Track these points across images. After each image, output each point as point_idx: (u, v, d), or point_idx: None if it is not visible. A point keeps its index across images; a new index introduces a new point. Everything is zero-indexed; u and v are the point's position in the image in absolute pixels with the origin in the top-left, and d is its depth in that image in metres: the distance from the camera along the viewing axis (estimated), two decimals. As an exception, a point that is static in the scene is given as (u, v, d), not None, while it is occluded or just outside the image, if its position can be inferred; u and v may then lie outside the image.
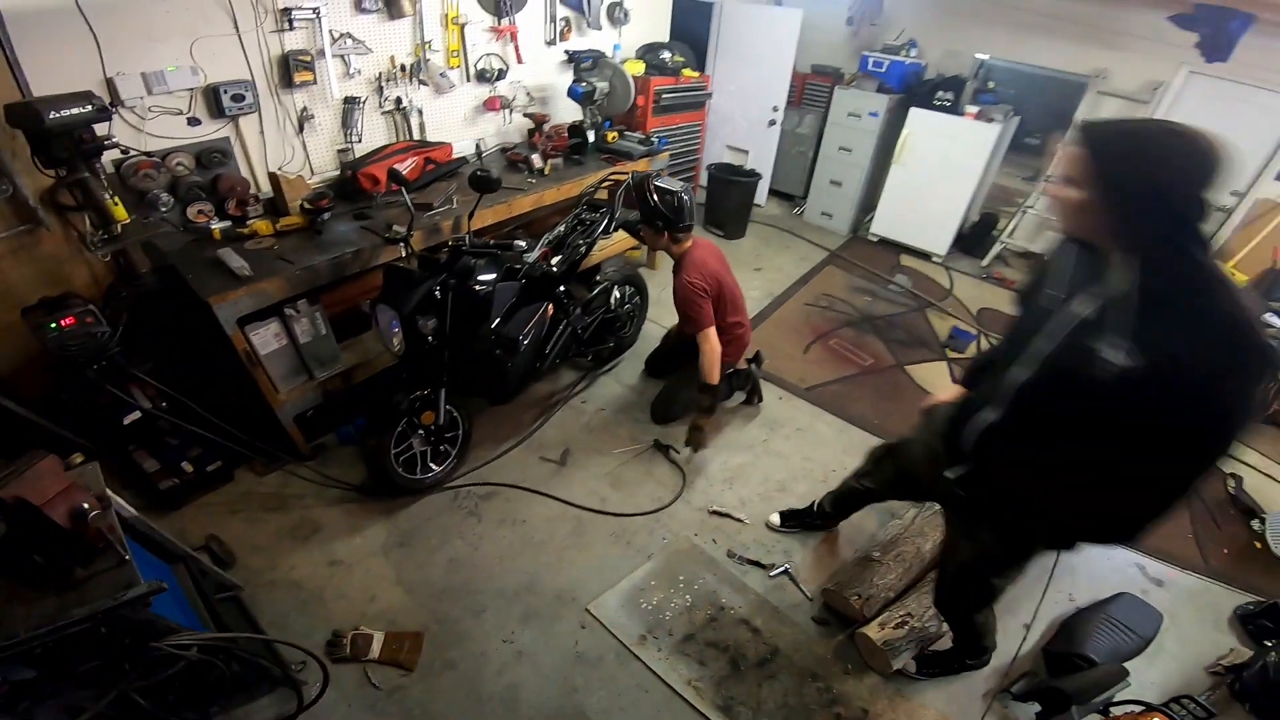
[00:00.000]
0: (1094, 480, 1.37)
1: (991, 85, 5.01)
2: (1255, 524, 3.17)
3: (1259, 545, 3.08)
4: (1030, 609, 2.62)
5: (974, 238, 5.67)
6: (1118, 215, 1.19)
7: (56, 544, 1.37)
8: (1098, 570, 2.82)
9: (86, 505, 1.36)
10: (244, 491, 2.82)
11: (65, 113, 1.87)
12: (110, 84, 2.43)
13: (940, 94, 4.86)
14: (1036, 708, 2.23)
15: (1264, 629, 2.63)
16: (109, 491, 1.64)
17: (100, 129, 2.07)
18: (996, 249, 5.55)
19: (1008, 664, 2.41)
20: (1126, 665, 2.35)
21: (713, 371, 2.89)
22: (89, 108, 1.90)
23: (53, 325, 2.07)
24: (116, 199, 2.13)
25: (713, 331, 2.88)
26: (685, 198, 2.84)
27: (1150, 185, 1.14)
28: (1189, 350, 1.14)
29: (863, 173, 5.56)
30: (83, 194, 2.10)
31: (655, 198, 2.80)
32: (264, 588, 2.45)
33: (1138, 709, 2.18)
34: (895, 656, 2.25)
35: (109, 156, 2.39)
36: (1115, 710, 2.20)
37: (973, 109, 4.81)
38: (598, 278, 3.53)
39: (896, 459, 2.24)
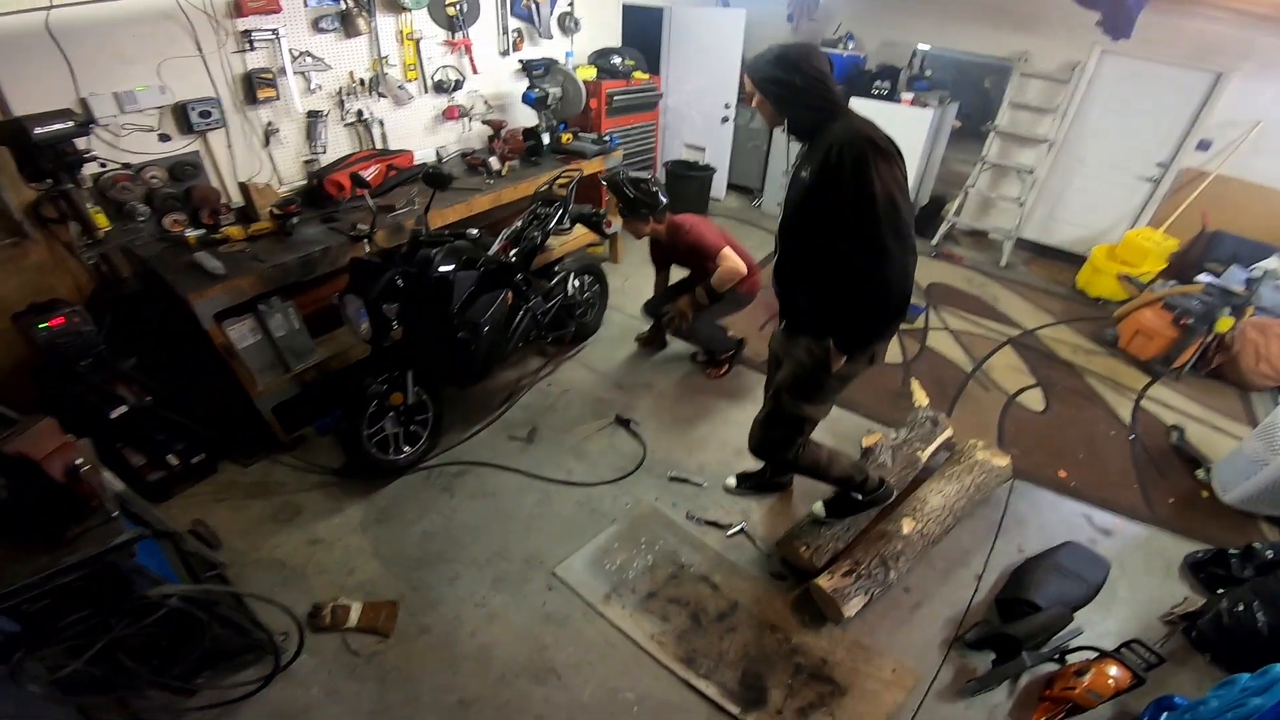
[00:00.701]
0: (832, 283, 1.93)
1: (927, 73, 5.29)
2: (1200, 473, 3.31)
3: (1205, 494, 3.21)
4: (981, 560, 2.76)
5: (924, 218, 5.93)
6: (775, 104, 1.88)
7: (52, 498, 1.53)
8: (1046, 522, 2.98)
9: (80, 461, 1.53)
10: (228, 481, 2.96)
11: (50, 128, 2.05)
12: (84, 103, 2.60)
13: (878, 83, 5.15)
14: (992, 655, 2.36)
15: (1215, 576, 2.70)
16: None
17: (80, 143, 2.24)
18: (944, 228, 5.82)
19: (962, 613, 2.54)
20: (1079, 615, 2.47)
21: (725, 282, 3.22)
22: (70, 123, 2.09)
23: (42, 325, 2.25)
24: (98, 208, 2.30)
25: (730, 250, 3.21)
26: (656, 185, 3.21)
27: (785, 80, 1.82)
28: (831, 153, 1.75)
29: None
30: (66, 204, 2.28)
31: (632, 190, 3.16)
32: (249, 566, 2.60)
33: (1091, 655, 2.26)
34: (845, 602, 2.35)
35: (88, 170, 2.56)
36: (1070, 659, 2.31)
37: (908, 95, 5.10)
38: (555, 268, 3.74)
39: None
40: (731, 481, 3.05)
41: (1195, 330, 3.97)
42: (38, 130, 2.03)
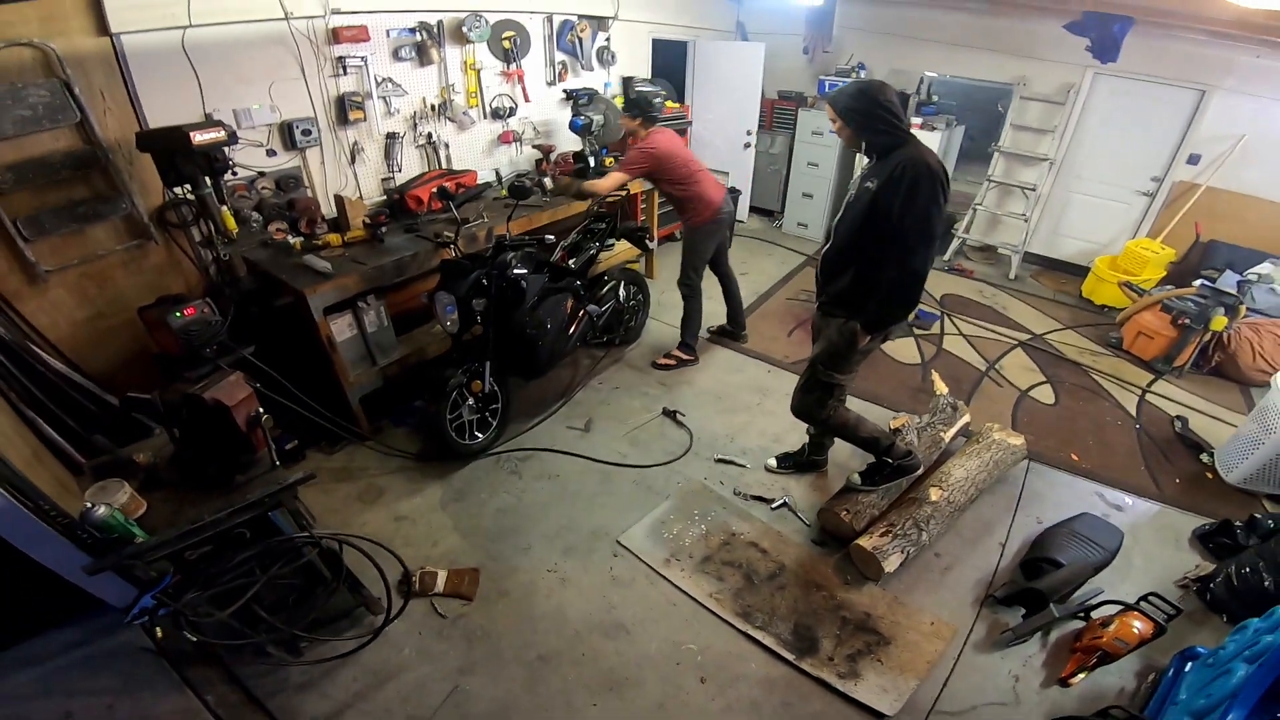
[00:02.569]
0: (872, 273, 2.37)
1: (935, 98, 5.69)
2: (1204, 458, 3.56)
3: (1210, 475, 3.45)
4: (1003, 530, 3.02)
5: (936, 235, 6.26)
6: (855, 129, 2.30)
7: (231, 445, 1.83)
8: (1061, 498, 3.23)
9: (260, 411, 1.84)
10: (315, 467, 3.22)
11: (208, 136, 2.39)
12: (209, 118, 2.94)
13: (888, 108, 5.53)
14: (1022, 611, 2.58)
15: (1224, 546, 2.90)
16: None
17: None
18: (955, 244, 6.18)
19: (989, 576, 2.77)
20: (1098, 580, 2.67)
21: (596, 189, 3.67)
22: (223, 133, 2.43)
23: (178, 313, 2.55)
24: (228, 211, 2.65)
25: (615, 173, 3.64)
26: (658, 97, 3.65)
27: (864, 110, 2.24)
28: (899, 170, 2.17)
29: (830, 184, 6.20)
30: (200, 208, 2.63)
31: (634, 93, 3.68)
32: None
33: (1115, 609, 2.44)
34: (885, 559, 2.60)
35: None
36: (1095, 614, 2.49)
37: (917, 120, 5.49)
38: (606, 276, 4.09)
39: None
40: (772, 462, 3.35)
41: (1192, 329, 4.28)
42: (198, 138, 2.36)
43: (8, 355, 2.55)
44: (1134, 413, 4.05)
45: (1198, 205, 5.19)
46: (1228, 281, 4.59)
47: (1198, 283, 4.58)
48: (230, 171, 2.83)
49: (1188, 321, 4.27)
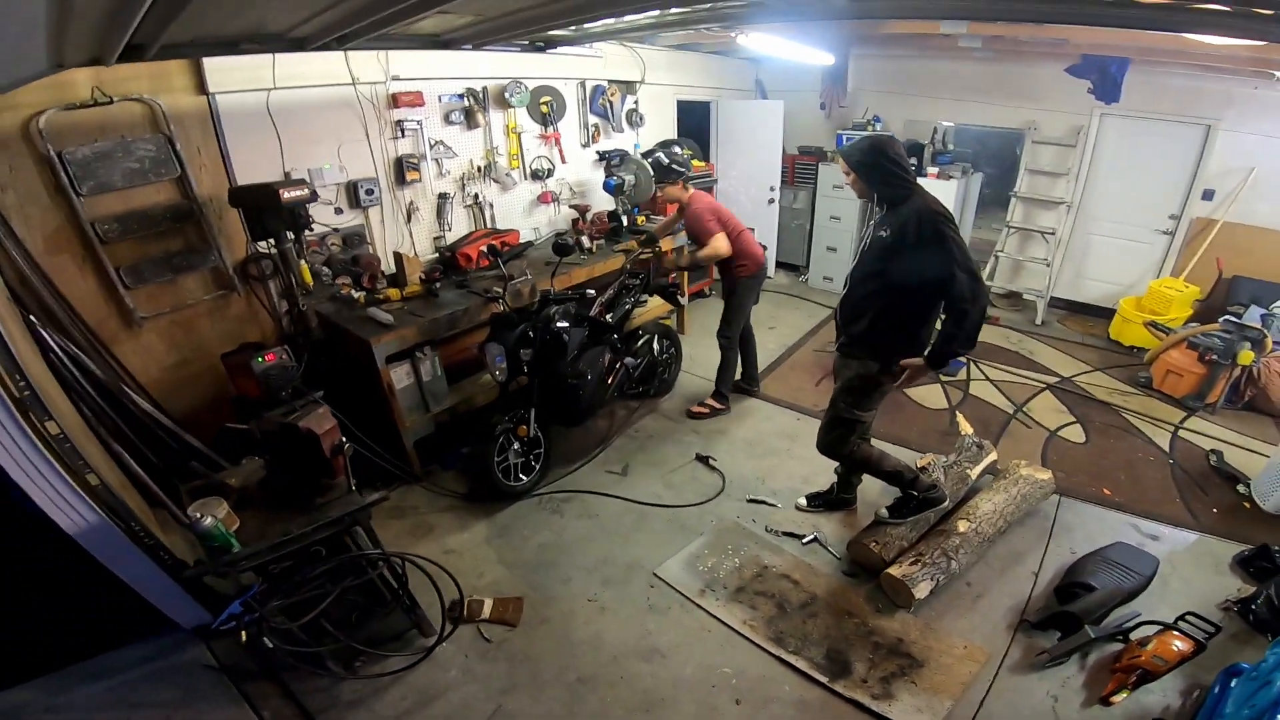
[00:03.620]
0: (888, 316, 2.58)
1: (950, 147, 5.88)
2: (1240, 488, 3.58)
3: (1247, 505, 3.47)
4: (1036, 560, 3.07)
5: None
6: (866, 181, 2.51)
7: (317, 470, 2.05)
8: (1093, 531, 3.25)
9: (343, 440, 2.07)
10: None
11: (294, 194, 2.66)
12: (287, 176, 3.24)
13: (905, 160, 5.77)
14: (1057, 634, 2.61)
15: (1264, 569, 2.90)
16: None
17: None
18: (979, 289, 6.27)
19: (1023, 603, 2.82)
20: (1136, 604, 2.70)
21: (704, 258, 3.91)
22: (306, 191, 2.71)
23: (260, 359, 2.80)
24: (305, 266, 2.95)
25: (721, 236, 3.80)
26: (687, 153, 3.87)
27: (873, 163, 2.45)
28: (909, 221, 2.38)
29: (852, 237, 6.34)
30: (281, 262, 2.92)
31: (667, 159, 3.84)
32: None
33: (1153, 630, 2.47)
34: (915, 585, 2.69)
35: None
36: (1133, 636, 2.53)
37: (934, 169, 5.68)
38: (640, 330, 4.34)
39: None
40: (803, 501, 3.47)
41: (1220, 365, 4.31)
42: (286, 195, 2.63)
43: (101, 394, 2.81)
44: (1167, 449, 4.06)
45: (1217, 241, 5.24)
46: (1253, 316, 4.63)
47: (1222, 319, 4.62)
48: (308, 228, 3.07)
49: (1215, 357, 4.31)
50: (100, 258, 2.85)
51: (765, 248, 5.84)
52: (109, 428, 2.78)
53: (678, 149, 3.91)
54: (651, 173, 5.01)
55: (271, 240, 2.86)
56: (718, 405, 4.35)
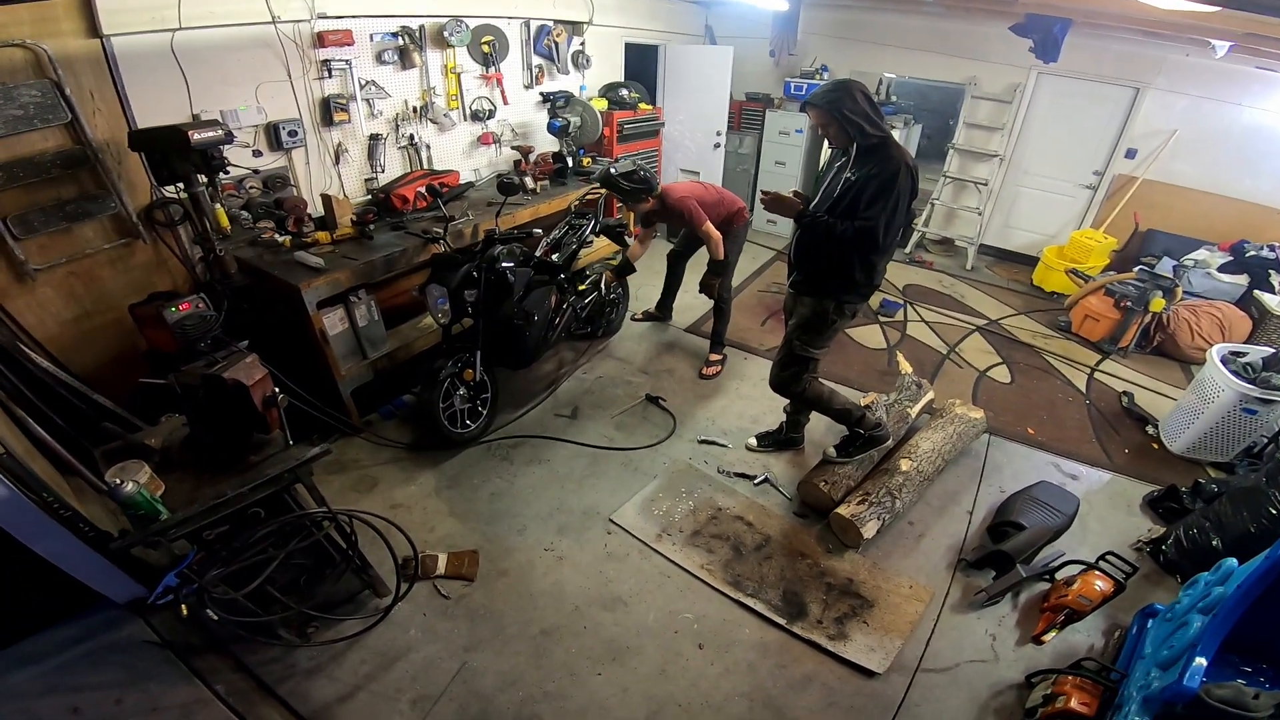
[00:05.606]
0: (842, 254, 2.58)
1: (894, 99, 5.96)
2: (1149, 429, 3.85)
3: (1155, 445, 3.74)
4: (970, 499, 3.24)
5: (897, 229, 6.57)
6: (840, 127, 2.45)
7: (247, 424, 1.90)
8: (1020, 469, 3.47)
9: (276, 391, 1.92)
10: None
11: (205, 135, 2.43)
12: (195, 119, 2.97)
13: (850, 109, 5.79)
14: (992, 573, 2.76)
15: (1172, 510, 3.11)
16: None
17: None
18: (915, 237, 6.49)
19: (960, 542, 2.97)
20: (1059, 544, 2.86)
21: (718, 250, 3.74)
22: (220, 132, 2.48)
23: (173, 309, 2.57)
24: (221, 209, 2.71)
25: (709, 225, 3.71)
26: (644, 171, 3.72)
27: (845, 103, 2.40)
28: (883, 169, 2.40)
29: (796, 182, 6.40)
30: (192, 206, 2.68)
31: (627, 183, 3.66)
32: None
33: (1076, 570, 2.61)
34: (863, 525, 2.78)
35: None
36: (1059, 575, 2.66)
37: (878, 119, 5.72)
38: (587, 271, 4.22)
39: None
40: (753, 441, 3.52)
41: (1133, 311, 4.60)
42: (196, 136, 2.41)
43: (-2, 353, 2.55)
44: (1084, 390, 4.34)
45: (1136, 197, 5.56)
46: (1165, 267, 4.95)
47: (1137, 268, 4.91)
48: (223, 170, 2.86)
49: (1129, 304, 4.60)
50: (-17, 208, 2.56)
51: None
52: (7, 390, 2.51)
53: (639, 172, 3.73)
54: (599, 117, 4.87)
55: (180, 184, 2.61)
56: (720, 357, 4.32)
